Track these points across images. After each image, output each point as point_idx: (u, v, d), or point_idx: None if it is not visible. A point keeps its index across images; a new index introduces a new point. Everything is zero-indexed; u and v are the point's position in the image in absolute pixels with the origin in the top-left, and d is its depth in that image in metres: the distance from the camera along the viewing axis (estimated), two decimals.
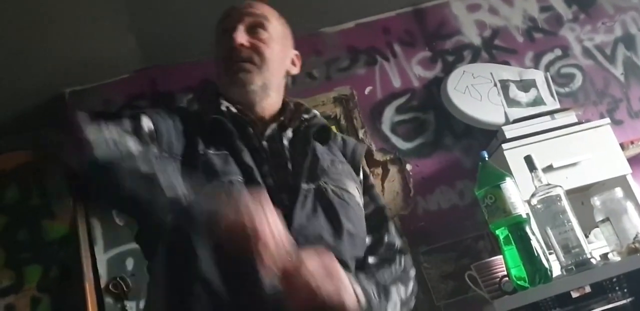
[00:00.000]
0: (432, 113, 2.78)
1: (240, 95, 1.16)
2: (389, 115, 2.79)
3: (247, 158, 1.07)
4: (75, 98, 2.80)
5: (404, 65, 2.88)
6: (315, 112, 1.22)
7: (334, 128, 2.84)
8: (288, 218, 1.00)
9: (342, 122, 2.79)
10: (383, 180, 2.66)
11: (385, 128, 2.76)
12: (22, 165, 2.83)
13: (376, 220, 1.20)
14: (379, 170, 2.69)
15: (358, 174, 1.23)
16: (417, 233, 2.55)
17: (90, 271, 2.51)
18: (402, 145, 2.73)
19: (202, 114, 1.13)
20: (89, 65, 2.66)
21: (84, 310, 2.45)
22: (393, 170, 2.69)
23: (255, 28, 1.17)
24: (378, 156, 2.71)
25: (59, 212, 2.70)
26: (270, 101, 1.19)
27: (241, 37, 1.14)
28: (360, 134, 2.74)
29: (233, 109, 1.13)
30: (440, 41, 2.93)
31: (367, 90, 2.84)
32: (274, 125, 1.17)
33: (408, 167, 2.68)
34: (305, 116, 1.19)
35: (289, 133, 1.16)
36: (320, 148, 1.17)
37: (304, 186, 1.08)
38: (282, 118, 1.18)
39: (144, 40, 2.63)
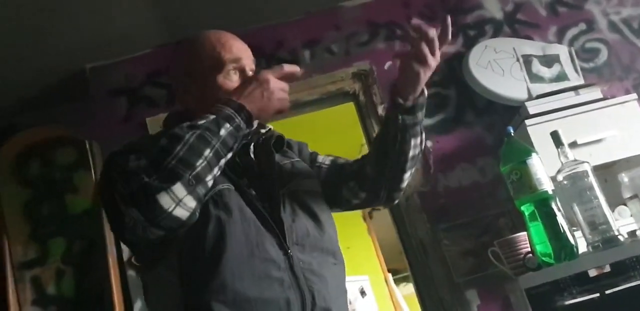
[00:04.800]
0: (453, 89, 2.75)
1: None
2: None
3: (229, 172, 1.19)
4: (96, 74, 2.80)
5: None
6: (270, 126, 1.34)
7: (352, 104, 2.83)
8: (277, 223, 1.18)
9: (361, 98, 2.77)
10: None
11: None
12: (45, 140, 2.85)
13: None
14: None
15: (311, 161, 1.43)
16: (437, 210, 2.55)
17: (113, 245, 2.55)
18: (423, 121, 2.70)
19: None
20: (111, 41, 2.65)
21: (107, 282, 2.49)
22: None
23: (252, 71, 1.30)
24: None
25: (82, 186, 2.73)
26: None
27: None
28: (380, 110, 2.71)
29: None
30: (462, 15, 2.88)
31: (387, 65, 2.80)
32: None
33: (428, 143, 2.67)
34: (262, 131, 1.31)
35: (252, 148, 1.30)
36: (277, 156, 1.33)
37: (280, 192, 1.24)
38: (249, 136, 1.29)
39: (166, 15, 2.61)
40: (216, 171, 1.10)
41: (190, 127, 1.09)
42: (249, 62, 1.29)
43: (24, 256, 2.68)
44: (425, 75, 1.25)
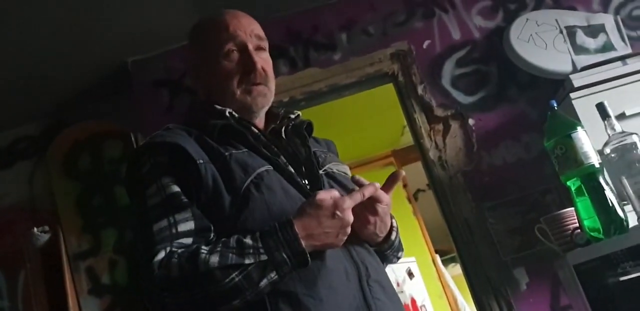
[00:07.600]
0: (494, 65, 2.68)
1: (249, 112, 1.28)
2: (449, 68, 2.71)
3: (266, 151, 1.21)
4: (138, 67, 2.84)
5: (464, 16, 2.78)
6: (298, 112, 1.35)
7: (391, 85, 2.80)
8: None
9: (400, 78, 2.73)
10: (444, 137, 2.62)
11: (446, 82, 2.69)
12: (92, 135, 2.94)
13: None
14: (440, 127, 2.63)
15: None
16: (482, 188, 2.51)
17: None
18: (464, 99, 2.66)
19: (206, 122, 1.22)
20: (150, 34, 2.69)
21: None
22: (455, 125, 2.63)
23: (259, 49, 1.29)
24: (438, 112, 2.65)
25: None
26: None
27: (259, 60, 1.26)
28: (420, 90, 2.68)
29: (235, 114, 1.25)
30: None
31: (426, 44, 2.76)
32: (270, 127, 1.32)
33: (470, 121, 2.62)
34: (291, 116, 1.33)
35: (282, 132, 1.32)
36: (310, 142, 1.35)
37: (320, 172, 1.26)
38: (278, 121, 1.32)
39: (201, 7, 2.63)
40: None
41: (235, 266, 1.02)
42: (249, 37, 1.27)
43: (78, 247, 2.78)
44: (375, 227, 1.22)
